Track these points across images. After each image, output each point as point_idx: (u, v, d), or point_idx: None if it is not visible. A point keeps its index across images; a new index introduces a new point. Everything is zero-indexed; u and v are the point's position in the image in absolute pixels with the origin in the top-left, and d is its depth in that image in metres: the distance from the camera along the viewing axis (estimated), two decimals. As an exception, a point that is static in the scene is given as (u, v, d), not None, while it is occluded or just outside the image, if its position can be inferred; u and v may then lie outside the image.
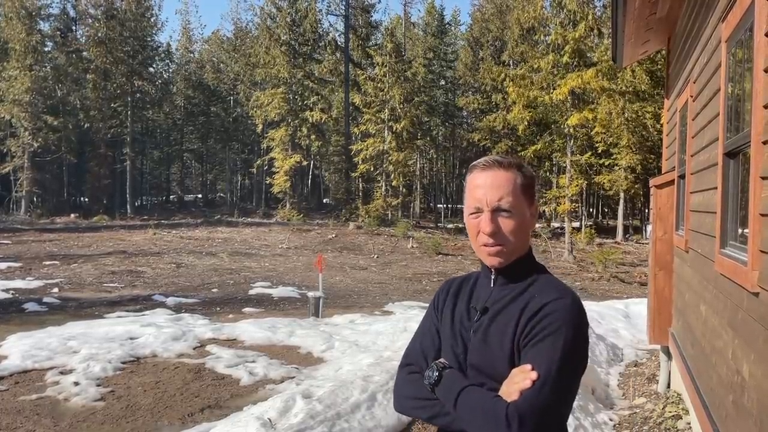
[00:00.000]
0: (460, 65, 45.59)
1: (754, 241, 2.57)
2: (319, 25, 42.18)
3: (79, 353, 6.38)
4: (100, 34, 41.42)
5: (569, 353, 1.39)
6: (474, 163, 1.58)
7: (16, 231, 25.89)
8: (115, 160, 44.04)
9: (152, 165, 56.19)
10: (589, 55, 27.52)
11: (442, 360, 1.55)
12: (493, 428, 1.36)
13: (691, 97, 4.90)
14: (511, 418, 1.34)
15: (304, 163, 40.88)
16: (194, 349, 7.01)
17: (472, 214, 1.53)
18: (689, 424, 5.04)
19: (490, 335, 1.50)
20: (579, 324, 1.44)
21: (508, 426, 1.34)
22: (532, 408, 1.34)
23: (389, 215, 35.55)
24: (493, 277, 1.57)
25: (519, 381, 1.38)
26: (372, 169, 36.24)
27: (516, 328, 1.46)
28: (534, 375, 1.37)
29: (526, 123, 29.81)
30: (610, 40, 7.04)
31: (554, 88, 26.91)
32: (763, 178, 2.48)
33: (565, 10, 27.03)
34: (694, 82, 4.79)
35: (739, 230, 3.16)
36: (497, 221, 1.49)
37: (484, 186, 1.51)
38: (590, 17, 26.05)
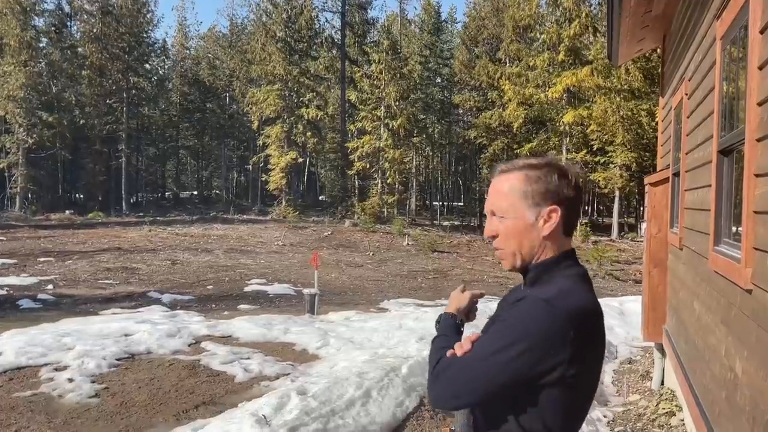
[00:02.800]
0: (456, 63, 45.53)
1: (748, 239, 2.57)
2: (316, 22, 42.07)
3: (74, 350, 6.36)
4: (95, 30, 41.24)
5: (507, 345, 1.35)
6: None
7: (10, 227, 25.79)
8: (110, 157, 43.86)
9: (148, 161, 55.97)
10: (584, 53, 27.56)
11: (448, 311, 1.69)
12: (428, 372, 1.50)
13: (686, 94, 4.91)
14: (437, 370, 1.45)
15: (300, 160, 40.77)
16: (189, 345, 6.99)
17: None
18: (683, 420, 5.06)
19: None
20: (537, 328, 1.35)
21: (431, 374, 1.47)
22: (451, 369, 1.42)
23: (385, 213, 35.54)
24: (524, 279, 1.57)
25: (460, 344, 1.47)
26: (368, 166, 36.22)
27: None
28: (468, 346, 1.43)
29: (522, 120, 29.84)
30: (606, 38, 7.05)
31: (550, 86, 26.95)
32: (757, 176, 2.49)
33: (560, 8, 27.06)
34: (689, 80, 4.79)
35: (733, 228, 3.17)
36: (493, 225, 1.53)
37: (490, 191, 1.56)
38: (584, 15, 26.07)
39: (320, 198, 55.03)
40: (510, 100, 29.17)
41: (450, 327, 1.63)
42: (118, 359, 6.27)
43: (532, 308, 1.38)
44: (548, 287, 1.44)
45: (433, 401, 1.48)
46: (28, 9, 36.97)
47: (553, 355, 1.35)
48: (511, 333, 1.37)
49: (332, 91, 44.43)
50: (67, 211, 36.00)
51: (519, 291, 1.57)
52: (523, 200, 1.48)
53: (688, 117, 4.87)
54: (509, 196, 1.49)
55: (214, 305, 11.51)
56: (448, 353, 1.46)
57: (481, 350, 1.40)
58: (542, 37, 28.68)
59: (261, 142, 41.30)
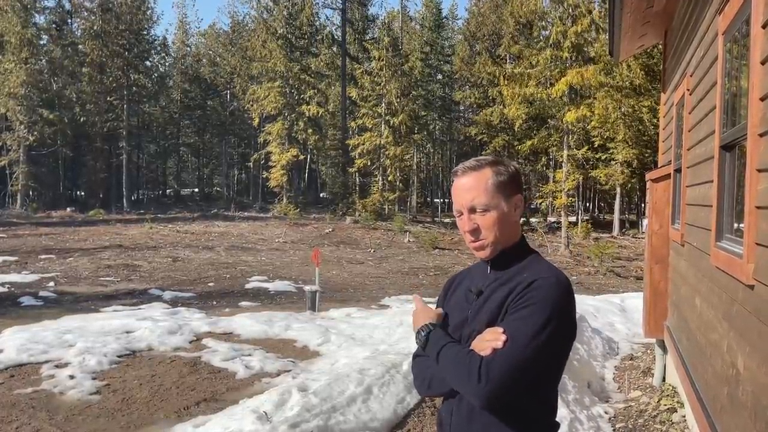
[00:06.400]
0: (456, 59, 45.46)
1: (750, 234, 2.57)
2: (316, 19, 42.06)
3: (75, 347, 6.36)
4: (95, 28, 41.23)
5: (544, 324, 1.52)
6: (454, 169, 1.76)
7: (11, 225, 25.81)
8: (111, 154, 43.87)
9: (149, 159, 56.00)
10: (586, 49, 27.47)
11: (429, 323, 1.73)
12: (466, 380, 1.54)
13: (688, 90, 4.90)
14: (482, 374, 1.51)
15: (301, 157, 40.76)
16: (190, 342, 6.99)
17: (457, 217, 1.73)
18: (684, 417, 5.06)
19: (481, 313, 1.66)
20: (558, 302, 1.56)
21: (479, 380, 1.51)
22: (500, 366, 1.50)
23: (386, 210, 35.53)
24: (489, 264, 1.74)
25: (491, 339, 1.54)
26: (369, 163, 36.17)
27: (502, 305, 1.61)
28: (504, 337, 1.52)
29: (522, 119, 29.77)
30: (607, 34, 7.03)
31: (552, 84, 26.88)
32: (760, 171, 2.48)
33: (564, 4, 26.93)
34: (691, 76, 4.78)
35: (735, 223, 3.16)
36: (474, 220, 1.67)
37: (460, 190, 1.70)
38: (595, 13, 26.01)
39: (321, 195, 55.03)
40: (511, 100, 29.12)
41: (445, 335, 1.70)
42: (119, 356, 6.27)
43: (551, 289, 1.57)
44: (540, 267, 1.66)
45: (488, 397, 1.50)
46: (28, 6, 36.96)
47: (572, 322, 1.61)
48: (540, 315, 1.53)
49: (333, 88, 44.38)
50: (68, 209, 36.02)
51: (499, 273, 1.70)
52: (500, 193, 1.68)
53: (689, 113, 4.86)
54: (488, 191, 1.67)
55: (215, 302, 11.51)
56: (486, 351, 1.53)
57: (521, 337, 1.52)
58: (548, 34, 28.61)
59: (262, 139, 41.30)
